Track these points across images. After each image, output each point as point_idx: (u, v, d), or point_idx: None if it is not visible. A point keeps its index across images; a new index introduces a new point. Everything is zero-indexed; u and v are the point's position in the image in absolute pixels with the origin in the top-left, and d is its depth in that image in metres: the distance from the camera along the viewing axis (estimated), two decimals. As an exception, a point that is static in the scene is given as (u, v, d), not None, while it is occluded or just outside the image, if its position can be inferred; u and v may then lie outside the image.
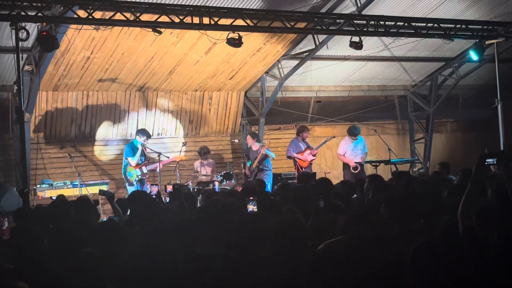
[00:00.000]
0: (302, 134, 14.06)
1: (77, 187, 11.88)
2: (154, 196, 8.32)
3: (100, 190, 9.01)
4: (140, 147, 12.24)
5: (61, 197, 7.57)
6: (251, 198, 6.33)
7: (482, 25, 13.80)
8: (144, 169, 12.29)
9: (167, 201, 9.55)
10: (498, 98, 13.73)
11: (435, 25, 13.03)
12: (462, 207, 4.18)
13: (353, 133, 14.18)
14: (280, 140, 15.54)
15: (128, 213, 7.50)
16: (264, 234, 4.43)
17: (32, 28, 10.35)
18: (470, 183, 4.27)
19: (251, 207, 6.19)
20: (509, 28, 14.08)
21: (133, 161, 12.21)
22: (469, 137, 18.62)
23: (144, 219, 6.33)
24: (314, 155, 14.02)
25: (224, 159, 15.00)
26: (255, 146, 13.62)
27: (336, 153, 14.71)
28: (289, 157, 14.01)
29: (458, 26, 13.28)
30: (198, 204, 8.57)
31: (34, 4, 9.63)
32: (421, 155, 17.35)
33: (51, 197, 10.99)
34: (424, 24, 12.96)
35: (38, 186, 11.91)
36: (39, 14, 9.61)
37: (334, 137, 14.73)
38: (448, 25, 13.25)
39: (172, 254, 3.97)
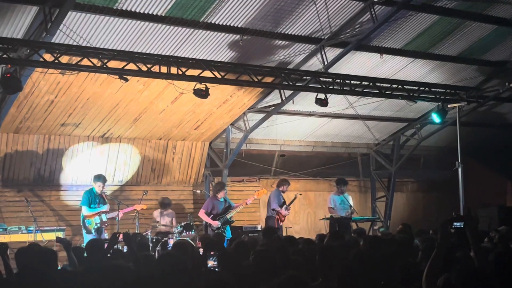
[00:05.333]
0: (283, 187, 14.07)
1: (32, 232, 11.55)
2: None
3: (57, 238, 8.76)
4: (99, 194, 12.07)
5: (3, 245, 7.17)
6: (211, 253, 6.18)
7: (445, 89, 14.12)
8: (104, 217, 12.05)
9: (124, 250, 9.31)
10: (459, 161, 13.91)
11: (399, 86, 13.28)
12: (427, 272, 4.10)
13: (342, 183, 14.32)
14: (242, 192, 15.44)
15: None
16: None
17: (-3, 69, 10.20)
18: (436, 248, 4.20)
19: (211, 263, 6.04)
20: (470, 93, 14.44)
21: (86, 211, 12.00)
22: (429, 198, 18.82)
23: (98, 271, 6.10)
24: (288, 211, 14.07)
25: (185, 209, 14.78)
26: (222, 195, 13.38)
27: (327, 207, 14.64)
28: (273, 210, 13.91)
29: (421, 88, 13.55)
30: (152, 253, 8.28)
31: (0, 45, 9.50)
32: (382, 214, 17.41)
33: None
34: (389, 85, 13.20)
35: (-9, 230, 11.55)
36: (4, 55, 9.46)
37: (300, 194, 14.75)
38: (411, 87, 13.51)
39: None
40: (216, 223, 13.00)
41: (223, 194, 13.26)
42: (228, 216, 13.11)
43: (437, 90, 14.00)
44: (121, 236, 7.78)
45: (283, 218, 13.94)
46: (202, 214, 13.18)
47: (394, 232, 11.48)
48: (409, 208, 18.71)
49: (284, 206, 13.95)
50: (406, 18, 12.32)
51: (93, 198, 12.08)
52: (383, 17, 11.74)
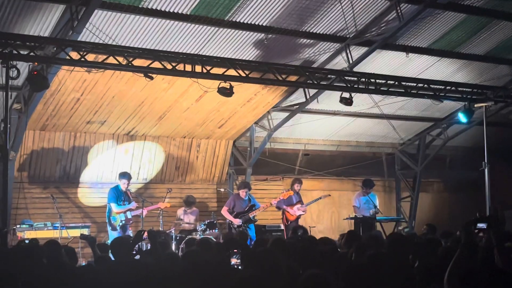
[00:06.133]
0: (294, 186, 14.01)
1: (57, 229, 11.68)
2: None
3: (81, 235, 8.87)
4: (124, 191, 12.18)
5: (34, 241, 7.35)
6: (234, 251, 6.18)
7: (472, 88, 13.93)
8: (129, 215, 12.14)
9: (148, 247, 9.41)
10: (486, 161, 13.73)
11: (425, 85, 13.15)
12: (449, 272, 4.06)
13: (368, 185, 14.15)
14: (266, 191, 15.43)
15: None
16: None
17: (24, 67, 10.31)
18: (459, 249, 4.16)
19: (234, 261, 6.04)
20: (498, 92, 14.23)
21: (115, 207, 12.07)
22: (455, 198, 18.61)
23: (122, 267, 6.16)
24: (304, 211, 13.96)
25: (208, 207, 14.83)
26: (243, 194, 13.37)
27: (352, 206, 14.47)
28: (278, 208, 13.87)
29: (448, 88, 13.40)
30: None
31: (28, 43, 9.61)
32: (406, 214, 17.29)
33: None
34: (415, 84, 13.07)
35: (18, 226, 11.69)
36: (32, 53, 9.58)
37: (329, 195, 14.72)
38: (438, 86, 13.37)
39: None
40: (237, 221, 12.99)
41: (244, 193, 13.22)
42: (251, 216, 13.10)
43: (464, 89, 13.83)
44: (145, 233, 7.84)
45: (291, 217, 13.83)
46: (224, 211, 13.21)
47: (419, 232, 11.40)
48: (435, 209, 18.53)
49: (297, 205, 13.87)
50: (432, 16, 12.21)
51: (119, 195, 12.18)
52: (409, 15, 11.65)
